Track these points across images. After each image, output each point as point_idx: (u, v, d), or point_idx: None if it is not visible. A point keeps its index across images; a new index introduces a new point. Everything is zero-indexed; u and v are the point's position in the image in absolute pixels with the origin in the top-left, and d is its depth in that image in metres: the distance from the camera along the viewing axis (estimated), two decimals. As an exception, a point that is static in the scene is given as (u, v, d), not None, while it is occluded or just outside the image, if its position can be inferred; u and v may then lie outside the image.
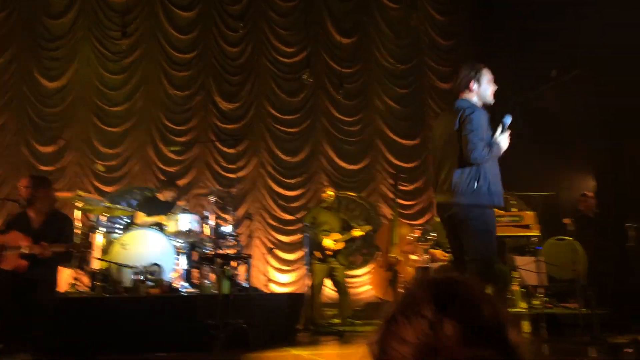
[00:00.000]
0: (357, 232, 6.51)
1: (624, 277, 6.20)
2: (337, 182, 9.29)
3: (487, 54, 9.45)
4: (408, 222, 9.17)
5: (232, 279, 4.96)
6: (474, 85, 3.78)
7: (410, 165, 9.77)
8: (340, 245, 6.49)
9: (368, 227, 6.67)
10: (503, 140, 3.68)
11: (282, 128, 9.30)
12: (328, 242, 6.40)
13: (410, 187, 9.68)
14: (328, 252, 6.46)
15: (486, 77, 3.82)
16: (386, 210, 9.34)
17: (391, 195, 8.97)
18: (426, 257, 4.58)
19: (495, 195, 3.62)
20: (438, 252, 5.38)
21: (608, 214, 6.92)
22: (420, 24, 9.87)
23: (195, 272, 6.09)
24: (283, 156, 9.25)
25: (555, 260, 5.64)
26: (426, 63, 9.95)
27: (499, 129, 3.71)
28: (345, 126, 9.57)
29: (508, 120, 3.73)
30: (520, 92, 8.94)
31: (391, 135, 9.74)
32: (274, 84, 9.32)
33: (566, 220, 5.11)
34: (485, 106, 3.84)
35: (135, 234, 5.86)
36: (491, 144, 3.61)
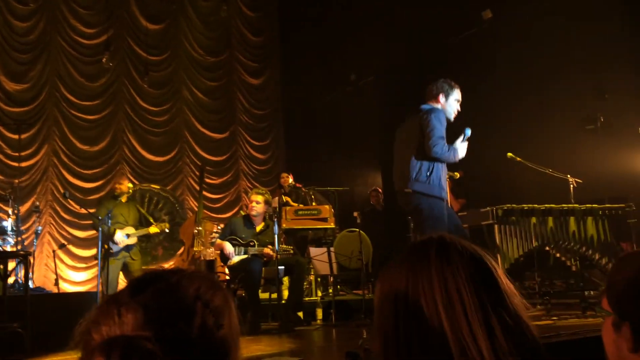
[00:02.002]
0: (153, 229, 6.23)
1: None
2: (141, 174, 8.89)
3: (294, 54, 9.86)
4: (215, 215, 9.16)
5: (7, 278, 4.44)
6: (442, 98, 4.02)
7: (219, 158, 9.77)
8: (133, 240, 6.17)
9: (166, 225, 6.42)
10: (462, 148, 3.92)
11: (79, 114, 8.60)
12: (119, 235, 6.04)
13: (218, 181, 9.67)
14: (119, 245, 6.10)
15: (455, 96, 4.04)
16: (193, 203, 9.20)
17: (198, 188, 8.85)
18: (210, 250, 4.60)
19: (443, 190, 3.88)
20: (227, 245, 5.43)
21: (393, 207, 7.65)
22: (231, 18, 9.89)
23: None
24: (80, 145, 8.56)
25: (346, 251, 6.07)
26: (236, 57, 10.00)
27: (460, 138, 3.94)
28: (151, 116, 9.19)
29: (468, 132, 3.96)
30: (322, 93, 9.49)
31: (200, 127, 9.61)
32: (71, 65, 8.57)
33: (355, 214, 5.54)
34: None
35: None
36: (451, 147, 3.85)
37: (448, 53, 7.84)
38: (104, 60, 7.70)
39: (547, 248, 4.54)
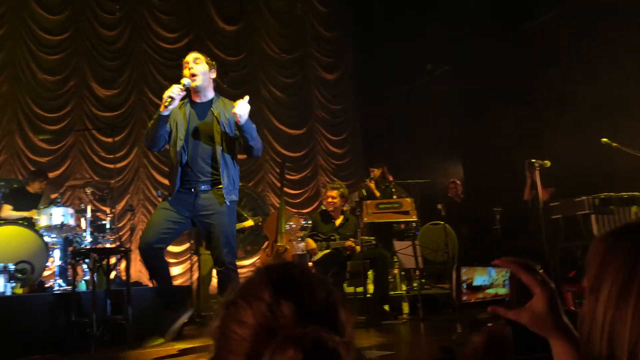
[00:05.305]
0: (248, 223, 6.46)
1: (492, 257, 6.73)
2: (224, 171, 9.15)
3: (367, 46, 9.80)
4: (295, 210, 9.30)
5: (110, 274, 4.73)
6: None
7: (298, 154, 9.89)
8: None
9: (258, 219, 6.62)
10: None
11: (165, 117, 8.97)
12: None
13: (297, 176, 9.81)
14: None
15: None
16: (274, 199, 9.38)
17: (278, 184, 9.02)
18: (302, 244, 4.70)
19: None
20: (311, 241, 5.52)
21: (474, 199, 7.45)
22: (305, 15, 9.98)
23: (71, 269, 5.73)
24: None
25: (430, 244, 5.99)
26: (311, 53, 10.09)
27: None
28: (231, 115, 9.43)
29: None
30: (397, 84, 9.39)
31: (278, 124, 9.77)
32: (155, 70, 8.96)
33: (439, 206, 5.45)
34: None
35: (0, 230, 5.39)
36: None
37: (527, 38, 7.53)
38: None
39: (650, 238, 4.26)
